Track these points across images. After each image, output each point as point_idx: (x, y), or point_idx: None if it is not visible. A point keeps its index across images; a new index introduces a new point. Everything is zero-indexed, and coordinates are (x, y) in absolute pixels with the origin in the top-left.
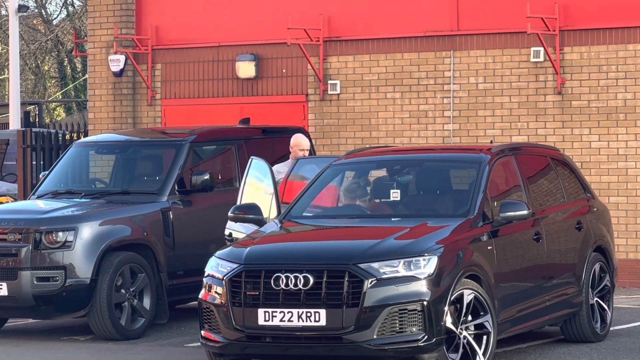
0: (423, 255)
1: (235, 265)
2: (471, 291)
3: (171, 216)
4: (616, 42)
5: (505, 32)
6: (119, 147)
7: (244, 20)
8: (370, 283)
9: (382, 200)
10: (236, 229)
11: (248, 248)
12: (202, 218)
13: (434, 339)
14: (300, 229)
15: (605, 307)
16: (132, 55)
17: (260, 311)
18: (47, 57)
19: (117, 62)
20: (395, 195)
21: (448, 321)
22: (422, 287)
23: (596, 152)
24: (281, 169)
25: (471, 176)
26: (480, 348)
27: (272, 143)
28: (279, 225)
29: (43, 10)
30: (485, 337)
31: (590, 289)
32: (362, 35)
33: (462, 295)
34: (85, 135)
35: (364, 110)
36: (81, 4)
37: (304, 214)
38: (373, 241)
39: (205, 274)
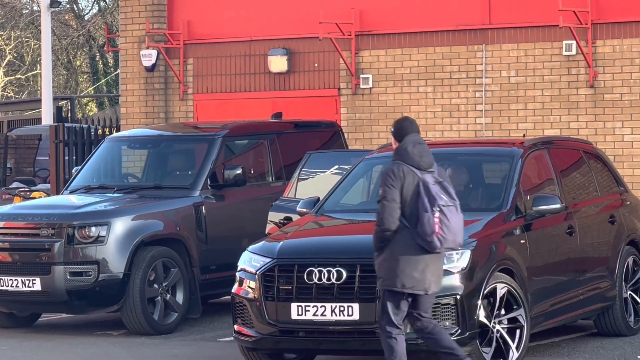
0: (456, 249)
1: (268, 260)
2: (504, 285)
3: (204, 211)
4: None
5: (537, 25)
6: (151, 142)
7: (276, 15)
8: None
9: None
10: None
11: (281, 242)
12: (234, 212)
13: (467, 333)
14: (332, 223)
15: (639, 300)
16: (164, 50)
17: (294, 305)
18: (79, 52)
19: (149, 56)
20: None
21: (481, 315)
22: (455, 281)
23: (629, 145)
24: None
25: (504, 170)
26: (513, 342)
27: (304, 137)
28: (312, 219)
29: (75, 6)
30: (518, 331)
31: (623, 283)
32: (394, 29)
33: (495, 289)
34: (118, 130)
35: (396, 104)
36: None
37: (337, 208)
38: None
39: (238, 269)
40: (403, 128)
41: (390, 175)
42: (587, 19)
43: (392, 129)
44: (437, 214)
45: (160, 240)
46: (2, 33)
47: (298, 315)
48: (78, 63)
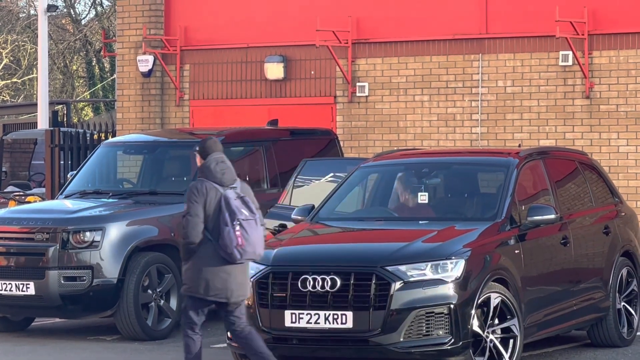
0: (450, 259)
1: (262, 267)
2: (498, 295)
3: None
4: None
5: (534, 35)
6: (146, 148)
7: (273, 22)
8: (398, 286)
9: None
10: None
11: (275, 250)
12: None
13: (461, 342)
14: (327, 231)
15: (633, 312)
16: (161, 55)
17: (287, 313)
18: (75, 57)
19: (145, 62)
20: (423, 198)
21: (475, 325)
22: (449, 290)
23: (624, 156)
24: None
25: (499, 180)
26: (506, 352)
27: (300, 145)
28: (307, 227)
29: (72, 10)
30: (511, 341)
31: (617, 294)
32: (391, 38)
33: (489, 298)
34: (113, 135)
35: (392, 113)
36: (110, 4)
37: (332, 216)
38: (400, 244)
39: None
40: (207, 147)
41: (194, 192)
42: (584, 29)
43: (198, 148)
44: (237, 228)
45: (155, 246)
46: None
47: (292, 322)
48: (74, 67)
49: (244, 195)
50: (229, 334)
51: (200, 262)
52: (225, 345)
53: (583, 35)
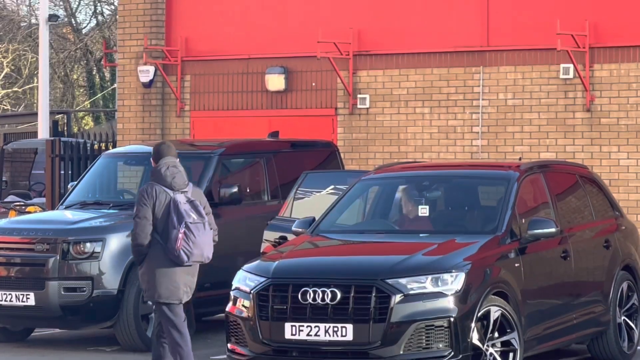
0: (450, 272)
1: (262, 279)
2: (498, 308)
3: None
4: None
5: (535, 48)
6: (147, 159)
7: (274, 33)
8: (398, 298)
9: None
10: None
11: (276, 262)
12: (229, 231)
13: (461, 356)
14: (328, 244)
15: (633, 326)
16: (162, 66)
17: (288, 325)
18: (76, 66)
19: (146, 72)
20: (423, 211)
21: (474, 338)
22: (449, 303)
23: (625, 169)
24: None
25: (500, 193)
26: None
27: (300, 157)
28: (307, 239)
29: (72, 19)
30: (511, 355)
31: (617, 308)
32: (392, 50)
33: (489, 312)
34: (114, 145)
35: (392, 125)
36: (110, 13)
37: (332, 228)
38: (401, 257)
39: (233, 287)
40: (160, 152)
41: (143, 195)
42: (585, 42)
43: (152, 152)
44: (183, 230)
45: None
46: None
47: (292, 335)
48: (75, 76)
49: (194, 200)
50: (229, 345)
51: (152, 264)
52: (225, 357)
53: (584, 48)
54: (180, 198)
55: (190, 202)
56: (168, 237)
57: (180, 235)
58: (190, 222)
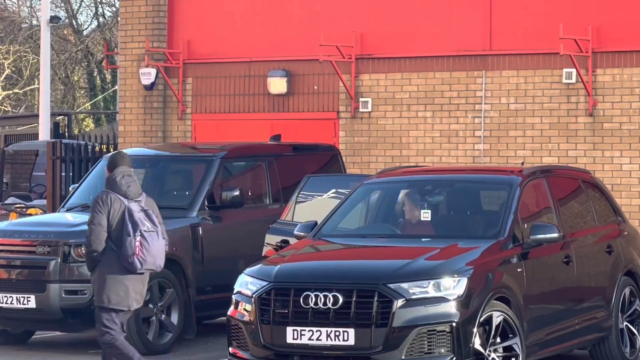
0: (453, 277)
1: (264, 283)
2: (500, 313)
3: (200, 232)
4: None
5: (538, 52)
6: (149, 162)
7: (276, 36)
8: (400, 303)
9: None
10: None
11: (278, 266)
12: (231, 234)
13: None
14: (330, 248)
15: (635, 331)
16: (163, 68)
17: (289, 329)
18: (76, 68)
19: (148, 75)
20: (425, 215)
21: (477, 343)
22: (451, 308)
23: (627, 174)
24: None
25: (502, 198)
26: None
27: (302, 160)
28: (309, 243)
29: (74, 21)
30: None
31: (620, 313)
32: (395, 53)
33: (491, 317)
34: (115, 147)
35: (394, 129)
36: (112, 15)
37: (334, 232)
38: (403, 261)
39: (234, 291)
40: (115, 161)
41: (98, 202)
42: (588, 47)
43: (107, 161)
44: (138, 238)
45: None
46: (0, 47)
47: (293, 339)
48: (76, 78)
49: (148, 209)
50: (230, 349)
51: (104, 270)
52: None
53: (587, 52)
54: (135, 207)
55: (144, 211)
56: (122, 244)
57: (136, 243)
58: (145, 231)
